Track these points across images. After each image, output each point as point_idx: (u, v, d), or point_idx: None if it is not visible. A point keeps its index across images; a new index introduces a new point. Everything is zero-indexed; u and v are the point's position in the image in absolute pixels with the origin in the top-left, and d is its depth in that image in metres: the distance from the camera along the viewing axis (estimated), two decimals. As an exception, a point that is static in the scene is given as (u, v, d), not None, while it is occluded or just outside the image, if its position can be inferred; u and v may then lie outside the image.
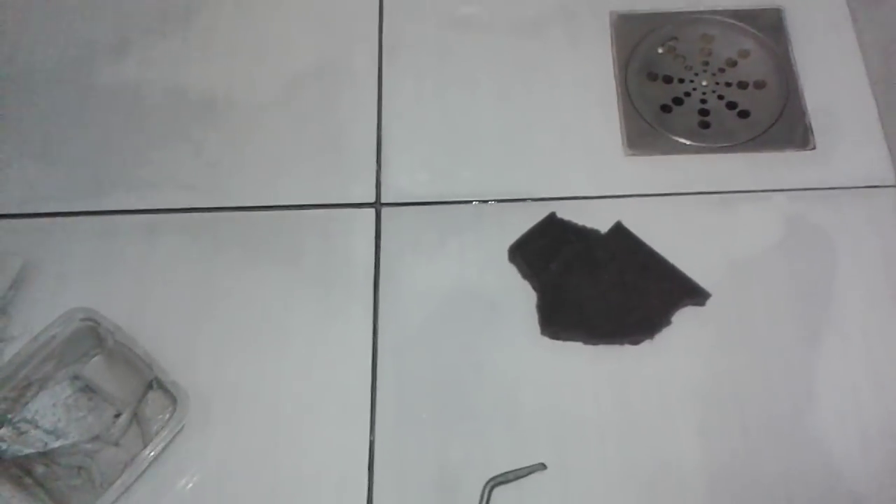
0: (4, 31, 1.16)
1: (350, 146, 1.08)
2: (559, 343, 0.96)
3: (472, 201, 1.04)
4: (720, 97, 1.11)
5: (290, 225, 1.03)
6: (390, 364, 0.95)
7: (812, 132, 1.08)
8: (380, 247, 1.01)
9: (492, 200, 1.04)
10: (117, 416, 0.90)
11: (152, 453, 0.85)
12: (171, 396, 0.89)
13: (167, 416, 0.90)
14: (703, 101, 1.10)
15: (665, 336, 0.95)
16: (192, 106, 1.10)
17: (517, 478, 0.89)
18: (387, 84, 1.12)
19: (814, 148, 1.07)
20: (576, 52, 1.14)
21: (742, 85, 1.12)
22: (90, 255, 1.01)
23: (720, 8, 1.17)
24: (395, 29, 1.16)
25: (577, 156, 1.07)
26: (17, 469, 0.86)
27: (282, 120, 1.10)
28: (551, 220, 1.01)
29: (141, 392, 0.90)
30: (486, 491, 0.88)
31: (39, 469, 0.88)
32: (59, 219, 1.04)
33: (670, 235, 1.00)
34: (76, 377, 0.90)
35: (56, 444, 0.85)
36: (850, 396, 0.93)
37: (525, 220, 1.01)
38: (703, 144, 1.07)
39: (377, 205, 1.04)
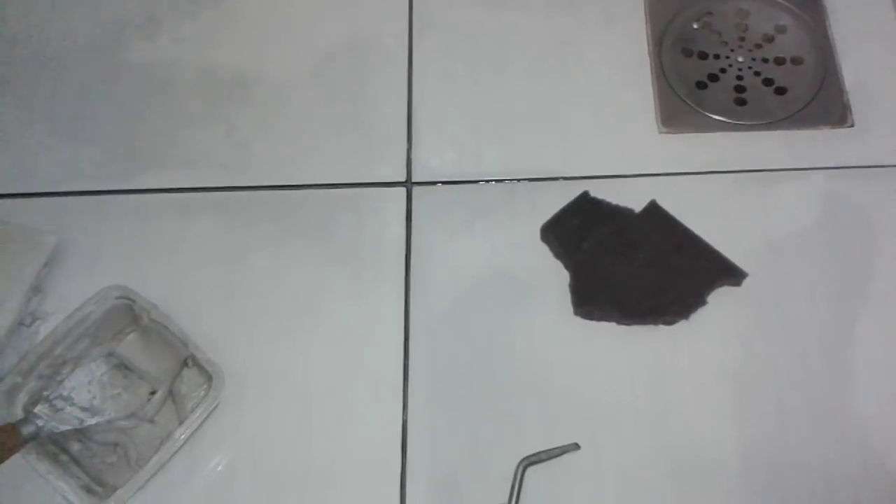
0: (35, 9, 1.16)
1: (381, 125, 1.07)
2: (592, 323, 0.95)
3: (503, 180, 1.03)
4: (756, 74, 1.09)
5: (322, 204, 1.03)
6: (422, 343, 0.95)
7: (850, 110, 1.06)
8: (411, 226, 1.01)
9: (524, 179, 1.03)
10: (152, 393, 0.90)
11: (188, 430, 0.85)
12: (207, 374, 0.89)
13: (202, 393, 0.90)
14: (739, 78, 1.09)
15: (700, 316, 0.94)
16: (222, 84, 1.10)
17: (550, 458, 0.88)
18: (417, 62, 1.11)
19: (852, 125, 1.05)
20: (609, 29, 1.12)
21: (779, 61, 1.10)
22: (124, 233, 1.01)
23: (756, -17, 1.15)
24: (426, 6, 1.15)
25: (610, 134, 1.06)
26: (54, 446, 0.87)
27: (313, 98, 1.09)
28: (584, 198, 1.00)
29: (176, 369, 0.91)
30: (520, 470, 0.87)
31: (75, 446, 0.89)
32: (92, 197, 1.04)
33: (706, 214, 0.98)
34: (111, 355, 0.90)
35: (92, 422, 0.85)
36: (889, 378, 0.91)
37: (557, 199, 1.00)
38: (739, 122, 1.05)
39: (408, 184, 1.04)
